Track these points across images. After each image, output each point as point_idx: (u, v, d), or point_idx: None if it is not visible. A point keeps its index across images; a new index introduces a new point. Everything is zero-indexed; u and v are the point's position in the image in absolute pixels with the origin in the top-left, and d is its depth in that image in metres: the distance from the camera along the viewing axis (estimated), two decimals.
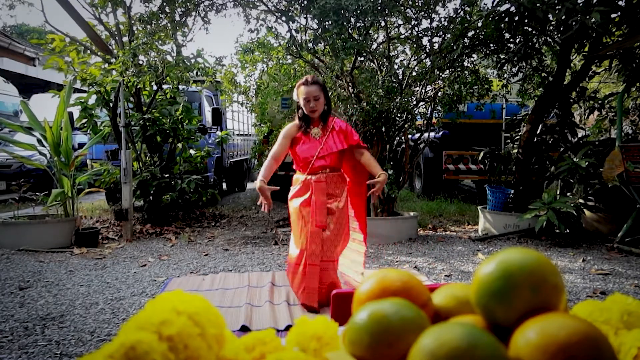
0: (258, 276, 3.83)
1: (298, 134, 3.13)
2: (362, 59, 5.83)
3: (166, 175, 6.10)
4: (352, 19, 5.02)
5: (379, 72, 5.72)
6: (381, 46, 6.12)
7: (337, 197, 3.08)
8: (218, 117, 7.92)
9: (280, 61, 7.07)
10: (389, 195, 5.38)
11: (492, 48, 5.53)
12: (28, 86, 14.16)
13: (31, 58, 16.68)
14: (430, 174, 8.79)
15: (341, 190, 3.13)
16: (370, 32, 5.54)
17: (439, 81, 5.73)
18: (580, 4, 4.25)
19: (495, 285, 0.56)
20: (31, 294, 3.40)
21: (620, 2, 4.78)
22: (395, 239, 5.23)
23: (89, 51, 5.95)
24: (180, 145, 6.46)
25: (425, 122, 6.32)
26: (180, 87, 6.48)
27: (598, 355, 0.48)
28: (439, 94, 5.84)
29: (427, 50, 5.63)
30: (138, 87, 5.89)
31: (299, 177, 3.15)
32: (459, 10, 5.32)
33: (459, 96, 5.82)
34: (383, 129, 5.46)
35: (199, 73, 5.99)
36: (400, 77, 5.65)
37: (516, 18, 4.97)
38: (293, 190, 3.16)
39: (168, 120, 6.11)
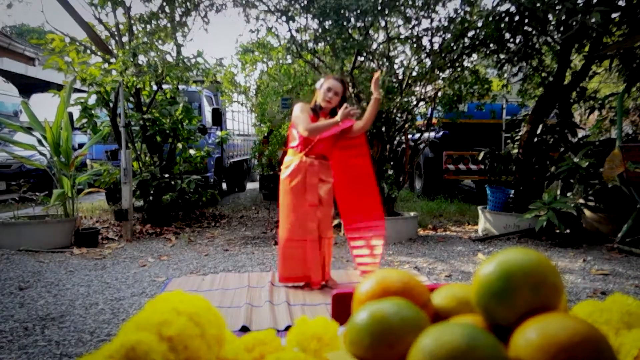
0: (258, 276, 3.83)
1: (311, 114, 3.44)
2: (362, 59, 5.83)
3: (166, 175, 6.10)
4: (352, 19, 5.02)
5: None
6: (381, 46, 6.12)
7: (326, 182, 3.46)
8: (218, 117, 7.92)
9: (280, 61, 7.06)
10: (389, 195, 5.38)
11: (492, 48, 5.52)
12: (28, 86, 14.13)
13: (31, 58, 16.66)
14: (430, 174, 8.78)
15: (329, 177, 3.51)
16: (370, 32, 5.54)
17: (439, 81, 5.73)
18: (580, 4, 4.25)
19: (495, 286, 0.56)
20: (31, 294, 3.40)
21: (620, 2, 4.78)
22: (395, 239, 5.23)
23: (89, 51, 5.94)
24: (180, 145, 6.46)
25: (425, 122, 6.32)
26: (180, 87, 6.47)
27: (598, 356, 0.48)
28: (439, 94, 5.84)
29: (427, 50, 5.63)
30: (138, 87, 5.89)
31: (293, 159, 3.41)
32: (459, 10, 5.32)
33: (459, 96, 5.82)
34: (383, 129, 5.46)
35: (199, 73, 5.99)
36: (400, 77, 5.65)
37: (516, 18, 4.97)
38: (287, 171, 3.42)
39: (168, 120, 6.11)
